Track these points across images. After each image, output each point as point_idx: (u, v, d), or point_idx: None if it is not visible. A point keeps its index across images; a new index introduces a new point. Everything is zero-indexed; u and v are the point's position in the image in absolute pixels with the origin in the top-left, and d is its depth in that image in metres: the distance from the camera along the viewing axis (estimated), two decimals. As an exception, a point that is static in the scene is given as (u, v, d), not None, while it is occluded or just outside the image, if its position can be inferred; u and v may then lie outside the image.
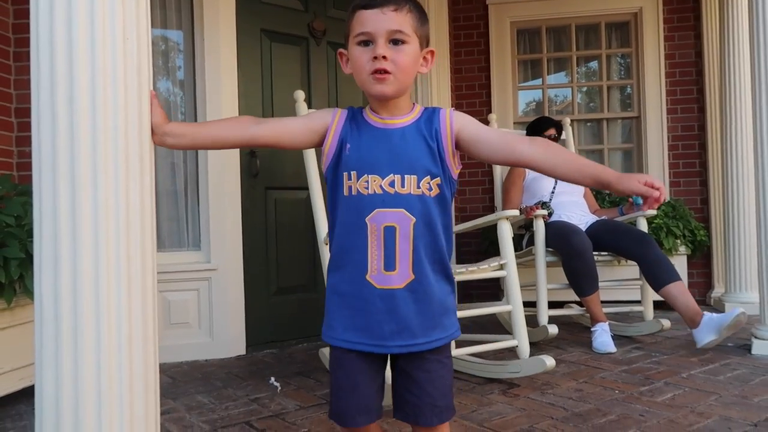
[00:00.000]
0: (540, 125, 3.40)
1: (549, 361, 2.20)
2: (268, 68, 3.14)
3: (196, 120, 2.94)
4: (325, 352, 2.48)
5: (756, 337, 2.65)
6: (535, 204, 3.04)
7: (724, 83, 3.75)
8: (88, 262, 1.05)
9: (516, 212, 2.38)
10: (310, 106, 3.23)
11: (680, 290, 2.71)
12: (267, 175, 3.10)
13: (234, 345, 2.88)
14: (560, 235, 2.92)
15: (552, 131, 3.37)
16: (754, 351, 2.62)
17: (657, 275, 2.78)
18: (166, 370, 2.62)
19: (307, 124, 1.19)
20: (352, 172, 1.10)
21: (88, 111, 1.06)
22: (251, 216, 3.03)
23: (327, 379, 2.37)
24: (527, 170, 3.37)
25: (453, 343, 2.48)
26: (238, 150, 2.96)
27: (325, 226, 2.46)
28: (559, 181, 3.30)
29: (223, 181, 2.90)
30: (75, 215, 1.05)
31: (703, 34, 4.33)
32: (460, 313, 2.33)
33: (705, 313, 2.62)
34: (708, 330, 2.58)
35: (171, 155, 2.99)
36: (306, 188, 2.54)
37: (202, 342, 2.83)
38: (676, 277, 2.74)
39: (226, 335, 2.86)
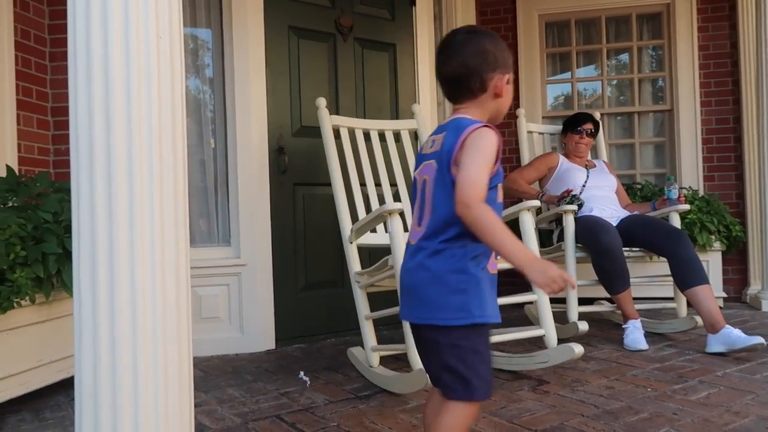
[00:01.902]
0: (578, 119, 3.39)
1: (578, 348, 2.18)
2: (296, 65, 3.17)
3: (225, 117, 2.98)
4: (354, 351, 2.49)
5: (794, 335, 2.57)
6: (563, 192, 3.00)
7: (761, 74, 3.64)
8: (125, 257, 1.08)
9: (537, 203, 2.36)
10: (336, 103, 3.27)
11: (706, 294, 2.65)
12: (295, 171, 3.13)
13: (263, 339, 2.92)
14: (590, 231, 2.88)
15: (590, 125, 3.35)
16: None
17: (685, 275, 2.73)
18: (197, 364, 2.66)
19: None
20: (499, 184, 1.28)
21: (123, 109, 1.08)
22: (280, 212, 3.06)
23: (355, 374, 2.39)
24: (561, 161, 3.33)
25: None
26: (267, 146, 3.00)
27: (349, 223, 2.48)
28: (591, 175, 3.26)
29: (252, 177, 2.93)
30: (111, 212, 1.08)
31: (739, 24, 4.21)
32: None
33: (727, 326, 2.56)
34: (721, 343, 2.55)
35: (201, 152, 3.04)
36: (335, 185, 2.57)
37: (232, 336, 2.87)
38: (704, 281, 2.68)
39: (255, 330, 2.89)
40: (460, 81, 1.31)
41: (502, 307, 2.25)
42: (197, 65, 3.09)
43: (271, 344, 2.93)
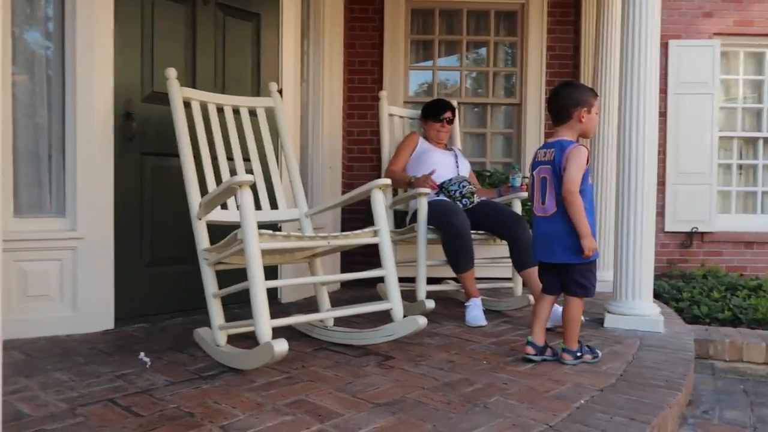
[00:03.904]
0: (439, 108, 3.47)
1: (421, 320, 2.29)
2: (150, 25, 2.93)
3: (64, 76, 2.68)
4: (201, 331, 2.40)
5: (608, 312, 2.92)
6: (428, 174, 3.11)
7: (596, 81, 4.03)
8: None
9: (388, 181, 2.42)
10: (193, 71, 3.09)
11: (535, 275, 2.89)
12: (145, 139, 2.92)
13: (100, 319, 2.70)
14: (442, 214, 3.02)
15: (449, 114, 3.48)
16: (606, 324, 2.89)
17: (522, 258, 3.00)
18: (19, 346, 2.41)
19: None
20: (589, 175, 2.25)
21: None
22: (125, 182, 2.84)
23: (201, 354, 2.31)
24: (420, 142, 3.44)
25: (329, 314, 2.49)
26: (112, 110, 2.75)
27: (197, 198, 2.36)
28: (447, 157, 3.40)
29: (93, 143, 2.68)
30: None
31: (582, 30, 4.62)
32: (335, 278, 2.36)
33: (554, 304, 2.83)
34: (549, 321, 2.82)
35: (35, 114, 2.71)
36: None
37: (63, 316, 2.62)
38: (535, 263, 2.93)
39: (91, 308, 2.67)
40: (559, 114, 2.26)
41: (355, 283, 2.26)
42: (37, 16, 2.73)
43: (109, 324, 2.73)
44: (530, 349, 2.26)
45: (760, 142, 5.39)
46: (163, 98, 2.93)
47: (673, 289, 4.28)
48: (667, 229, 5.14)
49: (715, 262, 5.08)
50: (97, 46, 2.68)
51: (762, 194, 5.41)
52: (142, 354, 2.28)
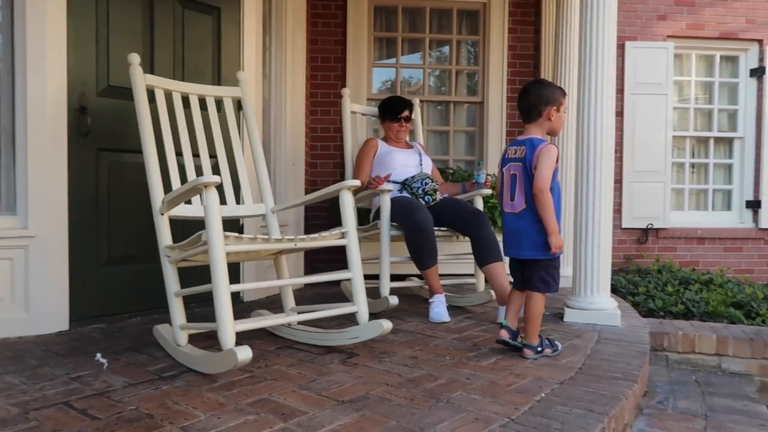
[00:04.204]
0: (396, 108, 3.46)
1: (386, 324, 2.28)
2: (105, 16, 2.84)
3: (13, 67, 2.58)
4: (161, 329, 2.35)
5: (568, 307, 2.99)
6: (384, 177, 3.12)
7: (556, 81, 4.11)
8: None
9: (357, 182, 2.40)
10: (152, 67, 3.01)
11: (498, 271, 2.98)
12: (100, 135, 2.83)
13: (54, 320, 2.62)
14: (405, 210, 3.03)
15: (407, 113, 3.48)
16: (566, 318, 2.95)
17: (483, 253, 3.03)
18: (-32, 349, 2.31)
19: None
20: (558, 172, 2.32)
21: None
22: (80, 179, 2.75)
23: (161, 354, 2.26)
24: (380, 145, 3.44)
25: (294, 313, 2.48)
26: (65, 104, 2.66)
27: (160, 193, 2.30)
28: (410, 156, 3.41)
29: (45, 138, 2.59)
30: None
31: (542, 30, 4.70)
32: (302, 280, 2.34)
33: None
34: None
35: (-19, 106, 2.60)
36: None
37: (15, 317, 2.53)
38: (498, 259, 3.00)
39: (44, 309, 2.58)
40: (529, 111, 2.31)
41: (321, 282, 2.23)
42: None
43: (63, 325, 2.64)
44: (504, 333, 2.33)
45: (711, 142, 5.59)
46: (120, 92, 2.86)
47: (629, 283, 4.40)
48: (624, 226, 5.29)
49: (669, 258, 5.25)
50: (49, 39, 2.59)
51: (713, 192, 5.61)
52: (98, 355, 2.21)
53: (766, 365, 2.91)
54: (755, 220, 5.46)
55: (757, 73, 5.43)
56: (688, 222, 5.45)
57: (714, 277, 4.58)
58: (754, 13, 5.37)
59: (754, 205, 5.46)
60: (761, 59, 5.41)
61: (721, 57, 5.55)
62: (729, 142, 5.59)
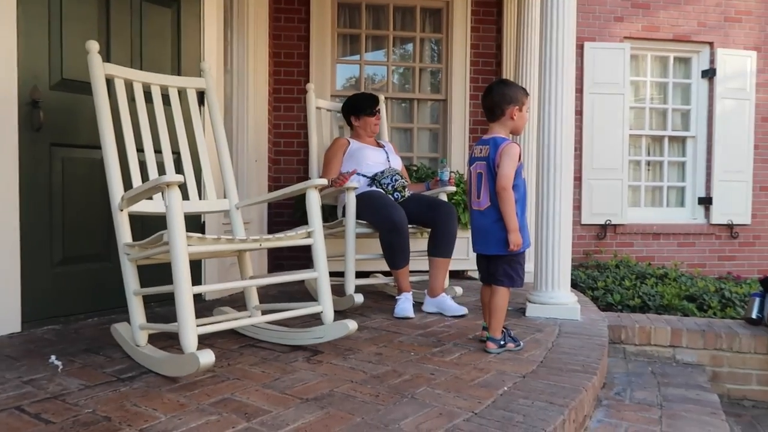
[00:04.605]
0: (371, 102, 3.47)
1: (352, 325, 2.28)
2: (58, 8, 2.74)
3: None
4: (119, 329, 2.28)
5: (530, 302, 3.04)
6: (350, 173, 3.11)
7: (518, 79, 4.17)
8: None
9: (324, 181, 2.38)
10: (108, 60, 2.91)
11: (440, 266, 3.11)
12: (53, 130, 2.73)
13: (5, 321, 2.51)
14: (379, 208, 3.02)
15: (379, 106, 3.52)
16: (528, 313, 3.00)
17: (436, 245, 3.12)
18: None
19: None
20: (522, 169, 2.37)
21: None
22: (31, 176, 2.65)
23: (120, 355, 2.20)
24: (350, 141, 3.42)
25: (258, 312, 2.46)
26: (15, 97, 2.56)
27: (120, 190, 2.23)
28: (379, 154, 3.40)
29: (-6, 133, 2.48)
30: None
31: (504, 29, 4.76)
32: (266, 281, 2.31)
33: (443, 295, 3.09)
34: (434, 306, 3.08)
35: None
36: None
37: (-37, 319, 2.42)
38: (446, 255, 3.12)
39: (-5, 311, 2.48)
40: (492, 110, 2.36)
41: (286, 288, 2.21)
42: None
43: (15, 326, 2.54)
44: (485, 333, 2.41)
45: (666, 141, 5.76)
46: (75, 86, 2.77)
47: (589, 278, 4.51)
48: (583, 222, 5.41)
49: (627, 253, 5.39)
50: (-2, 28, 2.48)
51: (667, 189, 5.79)
52: (53, 357, 2.14)
53: (717, 355, 3.03)
54: (707, 216, 5.66)
55: (708, 74, 5.62)
56: (644, 218, 5.61)
57: (669, 271, 4.73)
58: (706, 17, 5.56)
59: (705, 201, 5.66)
60: (712, 61, 5.60)
61: (675, 58, 5.72)
62: (682, 140, 5.78)
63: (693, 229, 5.59)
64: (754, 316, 3.13)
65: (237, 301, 3.20)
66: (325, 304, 2.30)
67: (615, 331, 3.09)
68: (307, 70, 4.64)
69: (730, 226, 5.61)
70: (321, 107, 3.68)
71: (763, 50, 5.66)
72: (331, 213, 3.67)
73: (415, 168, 4.39)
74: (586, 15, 5.38)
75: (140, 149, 2.40)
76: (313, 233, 2.31)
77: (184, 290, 1.86)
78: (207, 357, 1.82)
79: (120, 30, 2.99)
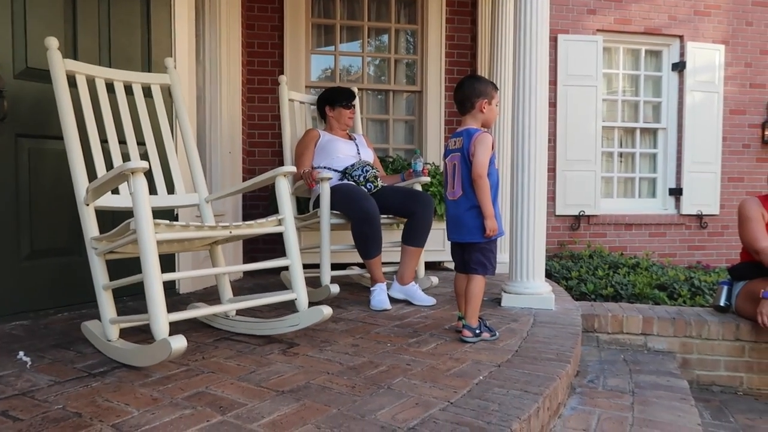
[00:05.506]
0: (347, 95, 3.47)
1: (326, 310, 2.26)
2: (21, -6, 2.66)
3: None
4: (89, 325, 2.24)
5: (505, 292, 3.06)
6: (317, 171, 3.10)
7: (492, 71, 4.18)
8: None
9: (293, 168, 2.36)
10: (75, 50, 2.84)
11: (413, 255, 3.16)
12: (19, 120, 2.66)
13: (-28, 318, 2.45)
14: (351, 199, 3.01)
15: (355, 99, 3.51)
16: (503, 303, 3.02)
17: (411, 234, 3.15)
18: None
19: None
20: (495, 159, 2.43)
21: None
22: (-4, 167, 2.57)
23: (90, 351, 2.16)
24: (321, 133, 3.40)
25: (232, 306, 2.43)
26: (-22, 88, 2.48)
27: (84, 182, 2.18)
28: (350, 146, 3.39)
29: (-44, 123, 2.40)
30: None
31: (479, 21, 4.77)
32: (237, 268, 2.30)
33: (413, 284, 3.13)
34: (402, 293, 3.12)
35: None
36: (67, 138, 2.22)
37: (-74, 316, 2.35)
38: (420, 244, 3.17)
39: (-40, 307, 2.41)
40: (463, 102, 2.44)
41: (259, 270, 2.19)
42: None
43: (-18, 323, 2.48)
44: (461, 322, 2.42)
45: (638, 132, 5.85)
46: (40, 74, 2.70)
47: (563, 268, 4.57)
48: (557, 213, 5.47)
49: (600, 243, 5.48)
50: (-41, 15, 2.40)
51: (639, 180, 5.89)
52: (21, 353, 2.09)
53: (687, 343, 3.09)
54: (677, 206, 5.77)
55: (678, 67, 5.72)
56: (616, 209, 5.70)
57: (640, 261, 4.82)
58: (676, 10, 5.65)
59: (676, 192, 5.77)
60: (682, 54, 5.70)
61: (646, 51, 5.81)
62: (653, 132, 5.87)
63: (664, 219, 5.70)
64: (722, 303, 3.21)
65: (212, 295, 3.16)
66: (299, 291, 2.28)
67: (588, 320, 3.13)
68: (281, 61, 4.59)
69: (699, 217, 5.73)
70: (294, 99, 3.64)
71: (731, 44, 5.78)
72: (307, 206, 3.65)
73: (390, 159, 4.38)
74: (560, 7, 5.42)
75: (105, 142, 2.36)
76: (284, 220, 2.29)
77: (153, 276, 1.82)
78: (178, 342, 1.79)
79: (87, 18, 2.91)
